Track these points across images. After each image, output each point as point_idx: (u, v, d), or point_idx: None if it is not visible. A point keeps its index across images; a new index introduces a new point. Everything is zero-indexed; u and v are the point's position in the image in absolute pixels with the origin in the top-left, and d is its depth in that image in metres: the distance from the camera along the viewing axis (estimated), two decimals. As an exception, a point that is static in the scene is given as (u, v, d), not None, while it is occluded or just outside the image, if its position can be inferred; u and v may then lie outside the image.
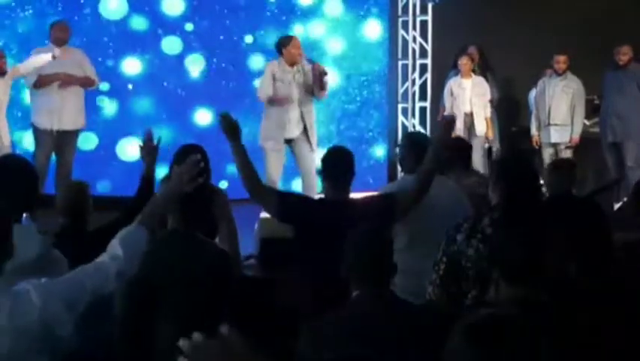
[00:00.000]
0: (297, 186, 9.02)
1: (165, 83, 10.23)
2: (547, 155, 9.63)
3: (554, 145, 9.62)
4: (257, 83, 9.23)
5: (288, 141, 8.03)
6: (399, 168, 8.04)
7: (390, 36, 10.69)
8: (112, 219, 4.35)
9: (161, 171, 5.11)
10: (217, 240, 4.85)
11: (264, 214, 6.11)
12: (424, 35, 10.57)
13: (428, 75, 10.59)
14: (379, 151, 10.66)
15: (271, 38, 9.41)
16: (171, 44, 10.25)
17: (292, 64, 8.02)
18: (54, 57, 8.17)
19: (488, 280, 3.24)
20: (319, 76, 7.98)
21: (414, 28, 10.54)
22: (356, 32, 10.54)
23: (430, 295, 3.86)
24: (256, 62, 10.16)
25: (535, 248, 3.03)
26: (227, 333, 1.92)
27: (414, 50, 10.55)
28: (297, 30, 10.32)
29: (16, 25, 9.85)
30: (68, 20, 9.17)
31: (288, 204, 4.50)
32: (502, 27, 10.47)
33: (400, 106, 10.69)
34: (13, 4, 9.95)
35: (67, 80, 8.41)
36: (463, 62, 9.88)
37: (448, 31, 10.50)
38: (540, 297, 2.94)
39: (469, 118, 9.88)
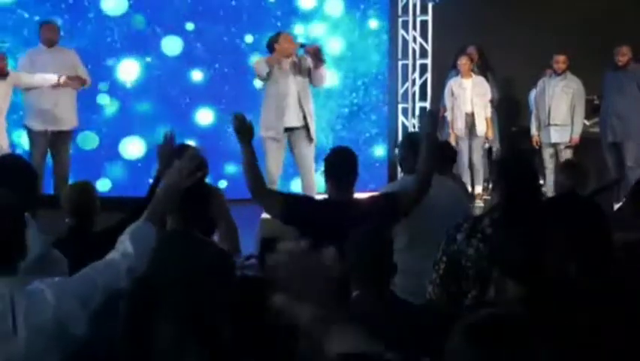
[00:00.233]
0: (296, 185, 9.02)
1: (166, 83, 10.24)
2: (547, 155, 9.64)
3: (554, 145, 9.63)
4: (257, 83, 9.25)
5: (288, 131, 8.00)
6: (399, 168, 8.05)
7: (390, 36, 10.70)
8: (120, 219, 4.34)
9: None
10: (215, 238, 4.85)
11: (265, 215, 6.11)
12: (424, 35, 10.58)
13: (428, 75, 10.60)
14: (379, 151, 10.67)
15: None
16: (172, 44, 10.26)
17: (287, 55, 8.01)
18: (59, 83, 8.19)
19: (488, 279, 3.24)
20: (314, 55, 7.94)
21: (414, 28, 10.55)
22: (356, 32, 10.55)
23: (430, 294, 3.86)
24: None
25: (535, 248, 3.03)
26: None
27: (414, 50, 10.56)
28: (298, 30, 10.34)
29: (21, 27, 9.84)
30: (71, 20, 9.19)
31: (292, 206, 4.50)
32: (502, 27, 10.47)
33: (400, 106, 10.70)
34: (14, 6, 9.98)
35: (60, 83, 8.40)
36: (463, 62, 9.88)
37: (448, 31, 10.51)
38: (540, 297, 2.94)
39: (470, 118, 9.89)
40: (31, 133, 8.48)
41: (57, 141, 8.52)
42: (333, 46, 10.47)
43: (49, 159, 8.64)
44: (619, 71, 9.25)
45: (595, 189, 7.86)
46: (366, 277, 3.33)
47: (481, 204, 9.55)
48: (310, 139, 8.01)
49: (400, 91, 10.70)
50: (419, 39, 10.57)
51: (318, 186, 7.71)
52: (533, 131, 9.77)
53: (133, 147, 10.11)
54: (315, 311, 1.86)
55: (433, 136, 4.66)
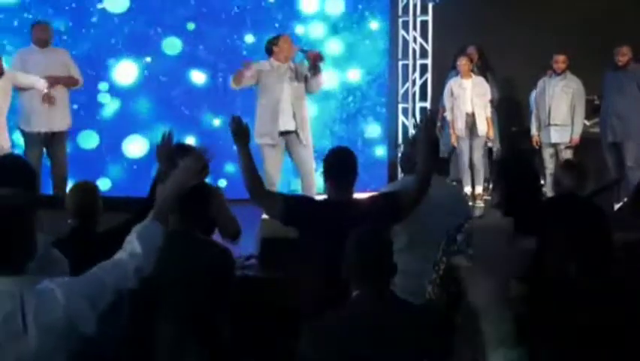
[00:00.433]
0: (296, 186, 9.02)
1: (166, 83, 10.25)
2: (547, 155, 9.63)
3: (554, 145, 9.62)
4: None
5: (283, 134, 8.00)
6: (399, 168, 8.05)
7: (390, 36, 10.70)
8: (124, 220, 4.34)
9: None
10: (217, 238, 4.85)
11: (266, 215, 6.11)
12: (424, 35, 10.58)
13: (428, 75, 10.60)
14: (379, 151, 10.66)
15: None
16: (172, 44, 10.27)
17: (285, 59, 8.00)
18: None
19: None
20: (314, 60, 7.94)
21: (414, 28, 10.55)
22: (356, 32, 10.56)
23: (429, 294, 3.86)
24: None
25: (536, 248, 3.03)
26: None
27: (414, 50, 10.56)
28: (298, 30, 10.35)
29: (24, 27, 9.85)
30: (73, 20, 9.19)
31: (292, 207, 4.50)
32: (502, 27, 10.47)
33: (400, 106, 10.70)
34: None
35: (52, 83, 8.39)
36: (462, 62, 9.88)
37: (448, 31, 10.51)
38: (541, 296, 2.94)
39: (471, 118, 9.89)
40: (26, 135, 8.46)
41: (52, 141, 8.51)
42: (333, 46, 10.47)
43: (45, 160, 8.62)
44: (619, 71, 9.25)
45: (595, 190, 7.86)
46: (366, 277, 3.33)
47: (482, 205, 9.54)
48: (303, 144, 8.00)
49: (401, 91, 10.70)
50: (419, 39, 10.57)
51: (317, 187, 7.71)
52: (533, 131, 9.77)
53: (135, 146, 10.12)
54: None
55: (431, 136, 4.66)
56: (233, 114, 4.67)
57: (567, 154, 9.51)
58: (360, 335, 3.19)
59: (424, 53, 10.61)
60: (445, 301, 3.79)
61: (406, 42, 10.62)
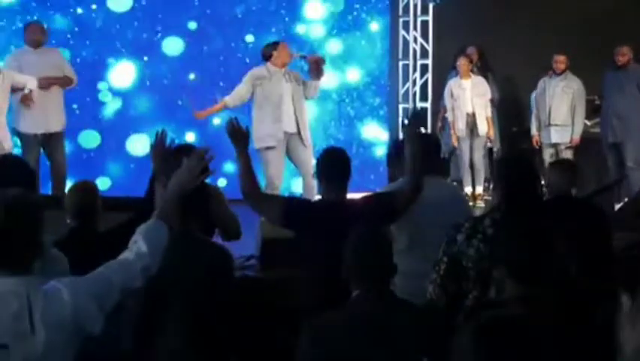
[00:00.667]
0: (297, 186, 9.02)
1: (167, 83, 10.25)
2: (547, 155, 9.63)
3: (555, 145, 9.63)
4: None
5: (285, 135, 8.00)
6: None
7: (390, 36, 10.70)
8: (123, 221, 4.34)
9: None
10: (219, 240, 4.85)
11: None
12: (424, 35, 10.58)
13: (429, 75, 10.59)
14: (380, 151, 10.66)
15: (272, 38, 9.42)
16: (173, 44, 10.28)
17: (282, 65, 8.01)
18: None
19: (489, 280, 3.24)
20: (316, 64, 7.96)
21: (415, 28, 10.54)
22: (357, 32, 10.55)
23: (430, 294, 3.86)
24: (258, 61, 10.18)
25: (536, 248, 3.03)
26: None
27: (414, 51, 10.55)
28: (299, 30, 10.35)
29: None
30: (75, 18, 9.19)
31: (291, 210, 4.49)
32: (503, 27, 10.47)
33: (400, 106, 10.69)
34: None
35: (46, 83, 8.39)
36: (461, 62, 9.88)
37: (448, 31, 10.51)
38: (542, 297, 2.94)
39: (472, 118, 9.89)
40: (22, 136, 8.45)
41: (49, 142, 8.49)
42: (334, 46, 10.47)
43: (44, 160, 8.62)
44: (619, 71, 9.25)
45: (596, 190, 7.87)
46: (365, 277, 3.33)
47: (482, 205, 9.54)
48: (304, 145, 8.01)
49: (401, 91, 10.69)
50: (420, 39, 10.57)
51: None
52: (534, 131, 9.78)
53: (140, 144, 10.11)
54: None
55: (419, 136, 4.67)
56: (230, 117, 4.66)
57: (567, 154, 9.51)
58: (360, 335, 3.19)
59: (424, 53, 10.60)
60: (445, 301, 3.80)
61: (406, 42, 10.61)
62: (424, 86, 10.62)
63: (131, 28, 10.24)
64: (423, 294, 3.88)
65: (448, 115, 10.01)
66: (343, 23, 10.53)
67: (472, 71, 9.99)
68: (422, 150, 4.84)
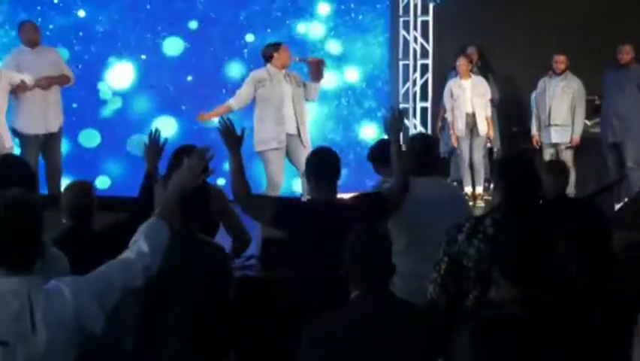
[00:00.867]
0: (297, 186, 9.02)
1: (168, 82, 10.26)
2: (547, 155, 9.63)
3: (555, 145, 9.62)
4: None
5: (287, 137, 8.01)
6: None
7: (391, 36, 10.69)
8: (119, 220, 4.34)
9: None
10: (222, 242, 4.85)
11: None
12: (425, 35, 10.58)
13: (429, 75, 10.60)
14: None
15: (272, 38, 9.42)
16: (173, 44, 10.28)
17: (282, 66, 8.03)
18: (18, 85, 8.16)
19: (489, 280, 3.24)
20: (316, 66, 7.99)
21: (415, 28, 10.54)
22: (357, 32, 10.55)
23: (430, 294, 3.86)
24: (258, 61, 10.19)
25: (536, 248, 3.03)
26: None
27: (415, 50, 10.56)
28: (299, 29, 10.35)
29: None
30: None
31: (283, 211, 4.48)
32: (503, 27, 10.47)
33: (400, 106, 10.67)
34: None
35: (46, 84, 8.38)
36: (461, 63, 9.88)
37: (449, 31, 10.51)
38: (542, 297, 2.94)
39: (472, 118, 9.88)
40: (22, 137, 8.44)
41: (48, 142, 8.49)
42: (334, 46, 10.47)
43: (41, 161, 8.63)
44: (620, 70, 9.24)
45: (596, 190, 7.88)
46: (365, 277, 3.33)
47: (482, 205, 9.54)
48: (304, 146, 8.02)
49: (401, 91, 10.69)
50: (420, 39, 10.57)
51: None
52: (534, 131, 9.77)
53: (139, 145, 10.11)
54: None
55: (397, 134, 4.68)
56: (222, 117, 4.65)
57: (567, 154, 9.51)
58: (360, 335, 3.19)
59: (424, 53, 10.60)
60: (446, 301, 3.80)
61: (406, 42, 10.61)
62: (424, 86, 10.62)
63: (131, 28, 10.23)
64: (423, 294, 3.88)
65: (448, 115, 10.01)
66: (343, 23, 10.52)
67: (472, 71, 9.98)
68: (419, 150, 4.85)
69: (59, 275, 2.97)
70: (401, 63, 10.70)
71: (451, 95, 9.92)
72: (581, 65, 9.56)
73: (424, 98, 10.61)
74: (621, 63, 9.22)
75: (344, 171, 4.81)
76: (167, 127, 10.09)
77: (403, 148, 4.77)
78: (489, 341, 2.03)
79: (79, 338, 2.79)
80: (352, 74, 10.60)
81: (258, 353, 4.51)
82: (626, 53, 9.19)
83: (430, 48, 10.59)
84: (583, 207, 5.25)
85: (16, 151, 8.24)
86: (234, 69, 10.32)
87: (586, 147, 9.67)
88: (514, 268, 3.01)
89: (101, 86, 10.23)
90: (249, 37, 10.36)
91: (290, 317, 4.09)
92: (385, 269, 3.39)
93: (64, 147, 9.00)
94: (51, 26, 9.95)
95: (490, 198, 9.05)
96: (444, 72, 10.40)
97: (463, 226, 3.86)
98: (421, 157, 4.86)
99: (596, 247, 4.64)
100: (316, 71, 8.03)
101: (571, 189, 7.82)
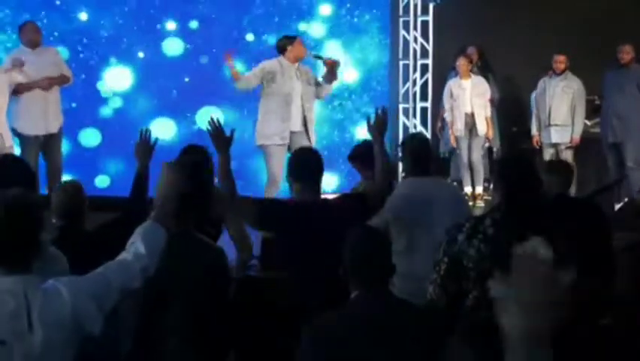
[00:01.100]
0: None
1: (168, 81, 10.27)
2: (547, 155, 9.63)
3: (555, 145, 9.62)
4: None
5: (291, 133, 8.02)
6: (400, 168, 8.05)
7: (391, 36, 10.69)
8: (110, 219, 4.35)
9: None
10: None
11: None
12: (425, 35, 10.57)
13: (429, 75, 10.59)
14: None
15: (271, 37, 9.44)
16: (173, 44, 10.29)
17: (295, 60, 8.02)
18: (21, 64, 8.16)
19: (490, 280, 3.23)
20: (332, 67, 8.01)
21: (415, 28, 10.54)
22: (357, 32, 10.55)
23: (430, 295, 3.86)
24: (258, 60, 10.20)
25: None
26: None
27: (415, 50, 10.55)
28: (299, 29, 10.35)
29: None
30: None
31: (266, 212, 4.48)
32: (503, 27, 10.47)
33: (400, 106, 10.68)
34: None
35: (48, 85, 8.38)
36: (460, 62, 9.88)
37: (449, 31, 10.51)
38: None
39: (471, 118, 9.88)
40: (22, 138, 8.44)
41: (48, 143, 8.49)
42: (334, 46, 10.47)
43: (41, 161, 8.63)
44: (620, 70, 9.25)
45: (596, 190, 7.88)
46: (364, 277, 3.33)
47: (482, 205, 9.54)
48: (310, 142, 8.02)
49: (401, 91, 10.68)
50: (420, 39, 10.56)
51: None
52: (534, 131, 9.77)
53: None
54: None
55: (381, 133, 4.68)
56: (211, 115, 4.64)
57: (568, 154, 9.51)
58: (360, 335, 3.19)
59: (424, 53, 10.60)
60: (446, 302, 3.79)
61: (406, 42, 10.60)
62: (424, 86, 10.61)
63: (132, 27, 10.24)
64: (423, 295, 3.88)
65: (447, 115, 10.01)
66: (344, 22, 10.52)
67: (472, 71, 9.98)
68: (417, 151, 4.86)
69: (59, 275, 2.97)
70: (401, 63, 10.70)
71: (451, 94, 9.92)
72: (581, 65, 9.56)
73: (424, 98, 10.60)
74: (621, 63, 9.22)
75: (343, 172, 4.82)
76: (167, 128, 10.14)
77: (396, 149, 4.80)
78: (482, 342, 2.02)
79: (77, 338, 2.80)
80: (352, 74, 10.60)
81: (258, 353, 4.51)
82: (626, 53, 9.19)
83: (430, 48, 10.58)
84: (583, 207, 5.25)
85: (16, 151, 8.25)
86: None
87: (586, 147, 9.67)
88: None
89: (100, 85, 10.24)
90: (249, 37, 10.36)
91: (290, 316, 4.09)
92: (385, 269, 3.38)
93: (65, 146, 9.00)
94: (56, 33, 9.94)
95: (490, 198, 9.05)
96: (444, 72, 10.40)
97: (463, 226, 3.86)
98: (420, 157, 4.86)
99: (596, 247, 4.65)
100: (331, 72, 8.05)
101: (571, 189, 7.82)
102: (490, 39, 10.49)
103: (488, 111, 9.97)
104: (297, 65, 8.02)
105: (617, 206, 8.73)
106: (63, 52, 9.32)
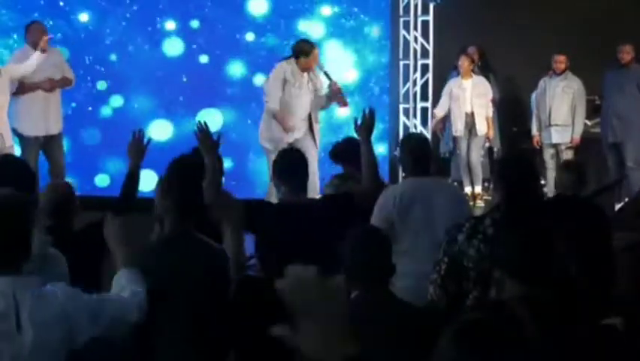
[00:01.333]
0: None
1: (168, 81, 10.26)
2: (548, 155, 9.64)
3: (555, 145, 9.62)
4: (258, 79, 9.27)
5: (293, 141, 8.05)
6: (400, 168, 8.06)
7: (391, 36, 10.69)
8: (97, 218, 4.36)
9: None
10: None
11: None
12: (425, 35, 10.57)
13: (429, 75, 10.58)
14: (380, 149, 10.63)
15: (272, 37, 9.43)
16: (173, 43, 10.28)
17: (305, 70, 8.07)
18: (43, 50, 8.13)
19: (490, 280, 3.24)
20: (339, 93, 8.13)
21: (415, 28, 10.53)
22: (357, 32, 10.54)
23: (430, 295, 3.86)
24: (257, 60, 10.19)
25: (536, 248, 3.03)
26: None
27: (415, 50, 10.54)
28: (299, 29, 10.34)
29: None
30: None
31: (252, 213, 4.49)
32: (503, 27, 10.47)
33: (401, 106, 10.67)
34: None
35: (50, 86, 8.38)
36: (463, 62, 9.87)
37: (449, 31, 10.51)
38: (542, 296, 2.94)
39: (471, 118, 9.88)
40: (23, 138, 8.44)
41: (49, 144, 8.50)
42: (334, 46, 10.46)
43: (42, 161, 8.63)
44: (620, 70, 9.25)
45: (596, 190, 7.88)
46: (364, 277, 3.33)
47: (482, 205, 9.54)
48: (315, 145, 8.06)
49: (402, 91, 10.67)
50: (420, 39, 10.56)
51: (319, 187, 7.71)
52: (534, 131, 9.77)
53: (160, 131, 10.12)
54: (323, 339, 1.82)
55: (370, 134, 4.70)
56: (199, 120, 4.65)
57: (568, 154, 9.51)
58: (360, 335, 3.18)
59: (425, 53, 10.59)
60: (446, 302, 3.79)
61: (407, 42, 10.59)
62: (424, 86, 10.61)
63: (132, 26, 10.24)
64: (423, 295, 3.88)
65: (437, 110, 10.01)
66: (344, 22, 10.51)
67: (473, 71, 9.98)
68: (416, 151, 4.86)
69: (58, 275, 2.98)
70: (401, 63, 10.68)
71: (451, 94, 9.92)
72: (581, 65, 9.56)
73: (424, 98, 10.59)
74: (621, 63, 9.23)
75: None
76: (166, 129, 10.14)
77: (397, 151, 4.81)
78: (471, 344, 2.01)
79: (66, 340, 2.78)
80: (352, 74, 10.58)
81: (258, 353, 4.50)
82: (626, 53, 9.19)
83: (430, 48, 10.58)
84: (583, 207, 5.25)
85: (17, 152, 8.25)
86: (235, 69, 10.32)
87: (586, 147, 9.68)
88: (514, 268, 3.01)
89: (101, 85, 10.23)
90: (249, 37, 10.35)
91: (290, 316, 4.09)
92: (385, 269, 3.38)
93: (65, 145, 8.99)
94: (59, 34, 9.93)
95: (489, 198, 9.05)
96: (444, 72, 10.40)
97: (463, 226, 3.86)
98: (419, 158, 4.85)
99: (596, 247, 4.65)
100: (334, 96, 8.16)
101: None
102: (490, 39, 10.49)
103: (490, 112, 9.97)
104: (308, 75, 8.07)
105: (617, 206, 8.73)
106: (63, 52, 9.30)
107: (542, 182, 9.16)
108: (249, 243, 6.32)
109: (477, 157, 9.95)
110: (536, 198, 4.00)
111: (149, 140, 4.69)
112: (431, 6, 10.49)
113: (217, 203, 4.44)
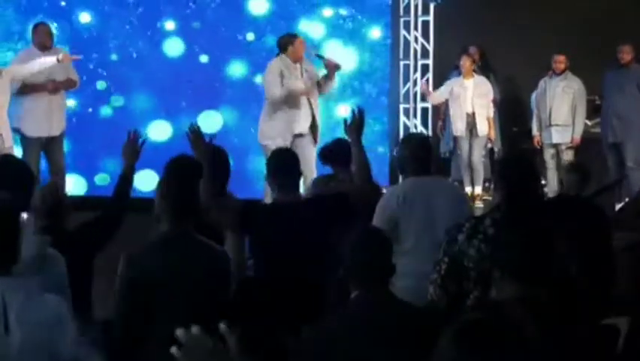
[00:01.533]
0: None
1: (168, 81, 10.26)
2: (548, 155, 9.63)
3: (556, 145, 9.62)
4: (259, 79, 9.27)
5: (295, 136, 8.04)
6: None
7: (391, 36, 10.69)
8: (90, 218, 4.37)
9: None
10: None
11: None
12: (425, 35, 10.57)
13: (430, 75, 10.59)
14: (381, 149, 10.63)
15: (272, 37, 9.43)
16: (174, 43, 10.28)
17: (296, 61, 8.06)
18: (59, 60, 8.14)
19: (490, 280, 3.24)
20: (332, 69, 8.10)
21: (415, 28, 10.53)
22: (357, 32, 10.54)
23: (431, 295, 3.86)
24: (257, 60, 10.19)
25: (536, 248, 3.03)
26: (225, 332, 1.93)
27: (415, 51, 10.55)
28: (299, 29, 10.34)
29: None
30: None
31: (245, 214, 4.48)
32: (503, 27, 10.47)
33: (401, 107, 10.67)
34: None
35: (53, 88, 8.39)
36: (464, 62, 9.87)
37: (449, 31, 10.51)
38: (542, 296, 2.94)
39: (471, 118, 9.88)
40: (25, 139, 8.44)
41: (50, 145, 8.51)
42: (335, 46, 10.46)
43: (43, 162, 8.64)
44: (620, 70, 9.25)
45: (596, 190, 7.87)
46: (364, 277, 3.33)
47: (481, 205, 9.53)
48: (315, 142, 8.05)
49: (402, 91, 10.67)
50: (421, 39, 10.56)
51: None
52: (534, 131, 9.77)
53: (159, 131, 10.12)
54: None
55: (360, 135, 4.70)
56: (192, 123, 4.65)
57: (568, 154, 9.51)
58: (359, 335, 3.19)
59: (425, 53, 10.59)
60: (446, 302, 3.79)
61: (407, 42, 10.60)
62: (424, 86, 10.61)
63: (132, 27, 10.24)
64: (424, 295, 3.88)
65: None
66: (344, 22, 10.51)
67: (474, 70, 9.98)
68: (417, 151, 4.86)
69: (57, 275, 2.97)
70: (402, 63, 10.69)
71: (452, 93, 9.91)
72: (581, 65, 9.56)
73: (424, 98, 10.59)
74: (621, 63, 9.23)
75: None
76: (166, 129, 10.15)
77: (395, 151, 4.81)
78: (471, 344, 2.01)
79: (53, 342, 2.77)
80: (352, 74, 10.58)
81: (259, 353, 4.50)
82: (626, 53, 9.19)
83: (430, 48, 10.58)
84: (583, 207, 5.26)
85: (17, 152, 8.26)
86: (235, 69, 10.32)
87: (586, 147, 9.67)
88: (514, 268, 3.01)
89: (100, 84, 10.23)
90: (250, 36, 10.35)
91: (290, 316, 4.09)
92: (385, 269, 3.38)
93: (65, 145, 9.00)
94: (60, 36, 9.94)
95: (489, 198, 9.05)
96: (444, 72, 10.40)
97: (463, 226, 3.86)
98: (419, 157, 4.85)
99: (596, 247, 4.65)
100: (330, 74, 8.18)
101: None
102: (490, 39, 10.49)
103: (491, 112, 9.96)
104: (302, 64, 8.07)
105: (617, 206, 8.72)
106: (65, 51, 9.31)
107: (542, 182, 9.16)
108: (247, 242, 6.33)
109: (479, 158, 9.94)
110: (537, 199, 4.00)
111: (144, 141, 4.70)
112: (431, 6, 10.49)
113: (216, 205, 4.44)
